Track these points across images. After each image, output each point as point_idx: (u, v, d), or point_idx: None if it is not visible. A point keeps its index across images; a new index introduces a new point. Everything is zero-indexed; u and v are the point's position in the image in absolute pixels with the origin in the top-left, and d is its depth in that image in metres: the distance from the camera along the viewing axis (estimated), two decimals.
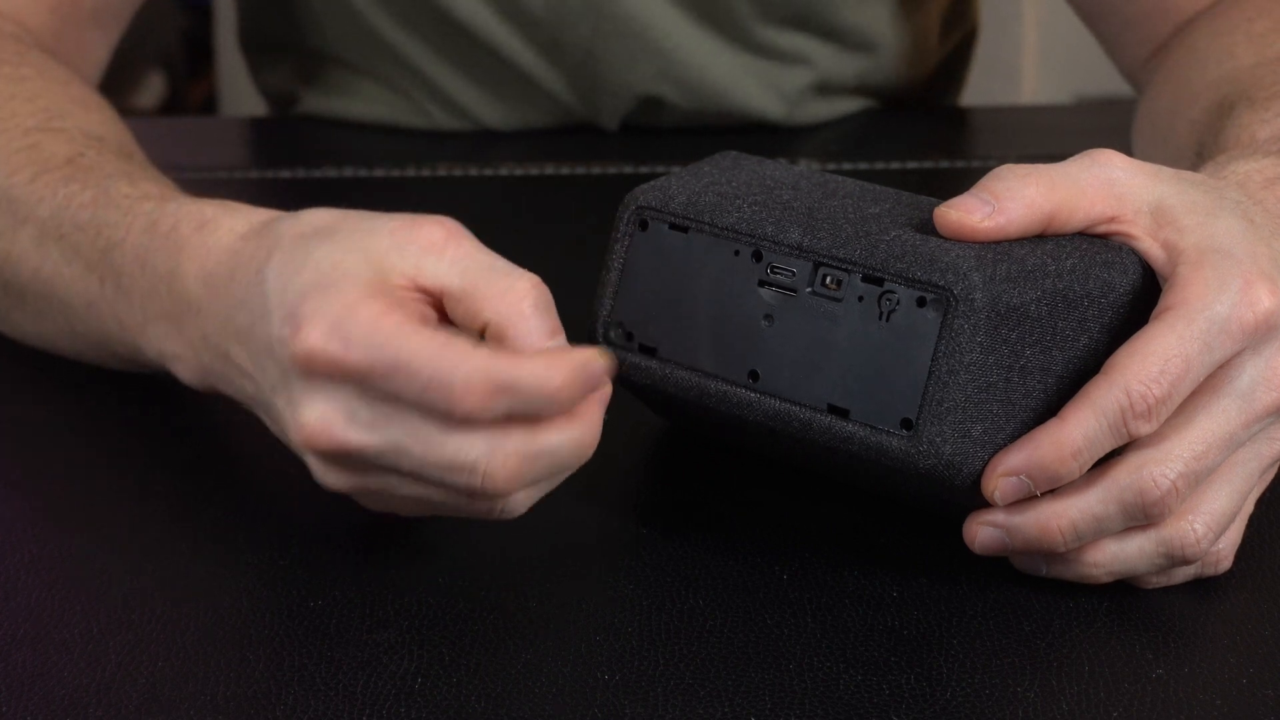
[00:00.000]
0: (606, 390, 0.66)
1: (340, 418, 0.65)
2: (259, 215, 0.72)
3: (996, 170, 0.68)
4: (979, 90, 1.37)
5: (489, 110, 1.19)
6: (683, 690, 0.63)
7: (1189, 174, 0.71)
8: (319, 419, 0.65)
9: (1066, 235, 0.68)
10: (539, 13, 1.13)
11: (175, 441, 0.81)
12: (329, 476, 0.67)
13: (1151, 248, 0.68)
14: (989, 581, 0.70)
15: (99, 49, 1.04)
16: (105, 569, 0.70)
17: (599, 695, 0.63)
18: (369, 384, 0.64)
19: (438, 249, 0.66)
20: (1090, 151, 0.69)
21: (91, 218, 0.79)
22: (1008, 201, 0.67)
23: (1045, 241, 0.68)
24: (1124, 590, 0.69)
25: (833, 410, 0.68)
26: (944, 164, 1.15)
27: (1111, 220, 0.69)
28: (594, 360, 0.64)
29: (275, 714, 0.62)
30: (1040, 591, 0.69)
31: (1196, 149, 0.86)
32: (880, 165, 1.13)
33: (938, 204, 0.68)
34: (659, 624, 0.67)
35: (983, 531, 0.67)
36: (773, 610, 0.68)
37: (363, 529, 0.73)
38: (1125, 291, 0.68)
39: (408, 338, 0.63)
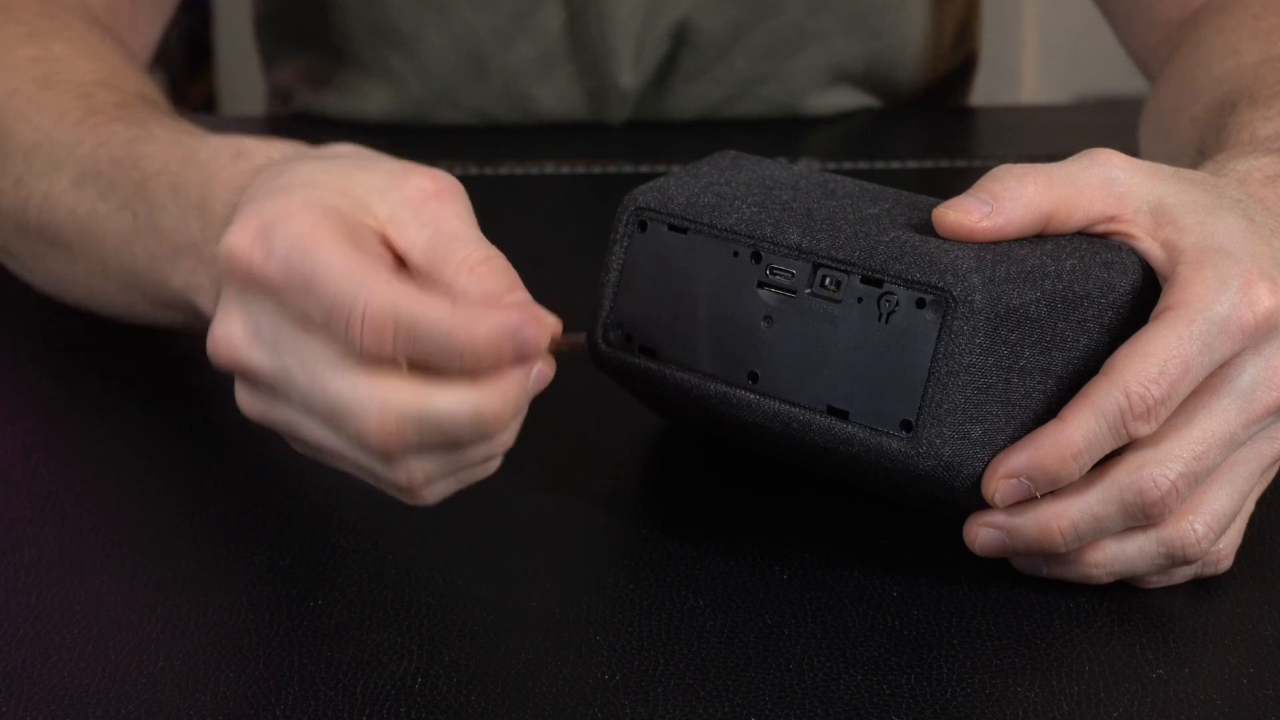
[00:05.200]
0: (542, 371, 0.62)
1: (243, 333, 0.63)
2: (301, 147, 0.71)
3: (995, 170, 0.68)
4: (979, 90, 1.37)
5: (503, 52, 1.18)
6: (683, 690, 0.63)
7: (1189, 173, 0.71)
8: (224, 333, 0.63)
9: (1066, 235, 0.68)
10: None
11: (176, 442, 0.81)
12: (240, 396, 0.65)
13: (1151, 247, 0.68)
14: (989, 581, 0.70)
15: (152, 27, 1.05)
16: (105, 569, 0.70)
17: (599, 695, 0.63)
18: (284, 300, 0.61)
19: (416, 204, 0.64)
20: (1089, 151, 0.69)
21: (128, 152, 0.79)
22: (1006, 202, 0.67)
23: (1044, 241, 0.68)
24: (1124, 590, 0.69)
25: (832, 412, 0.68)
26: (944, 164, 1.15)
27: (1111, 220, 0.69)
28: (529, 325, 0.59)
29: (275, 714, 0.62)
30: (1040, 591, 0.69)
31: (1198, 146, 0.86)
32: (880, 165, 1.13)
33: (937, 204, 0.67)
34: (659, 624, 0.67)
35: (983, 533, 0.67)
36: (773, 610, 0.68)
37: (362, 529, 0.73)
38: (1125, 292, 0.68)
39: (329, 253, 0.60)
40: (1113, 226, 0.69)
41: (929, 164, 1.14)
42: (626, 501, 0.76)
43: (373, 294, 0.59)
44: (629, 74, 1.17)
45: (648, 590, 0.69)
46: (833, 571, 0.70)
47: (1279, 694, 0.64)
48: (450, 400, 0.60)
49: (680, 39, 1.17)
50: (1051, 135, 1.25)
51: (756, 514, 0.74)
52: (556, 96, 1.19)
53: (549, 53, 1.17)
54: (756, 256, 0.69)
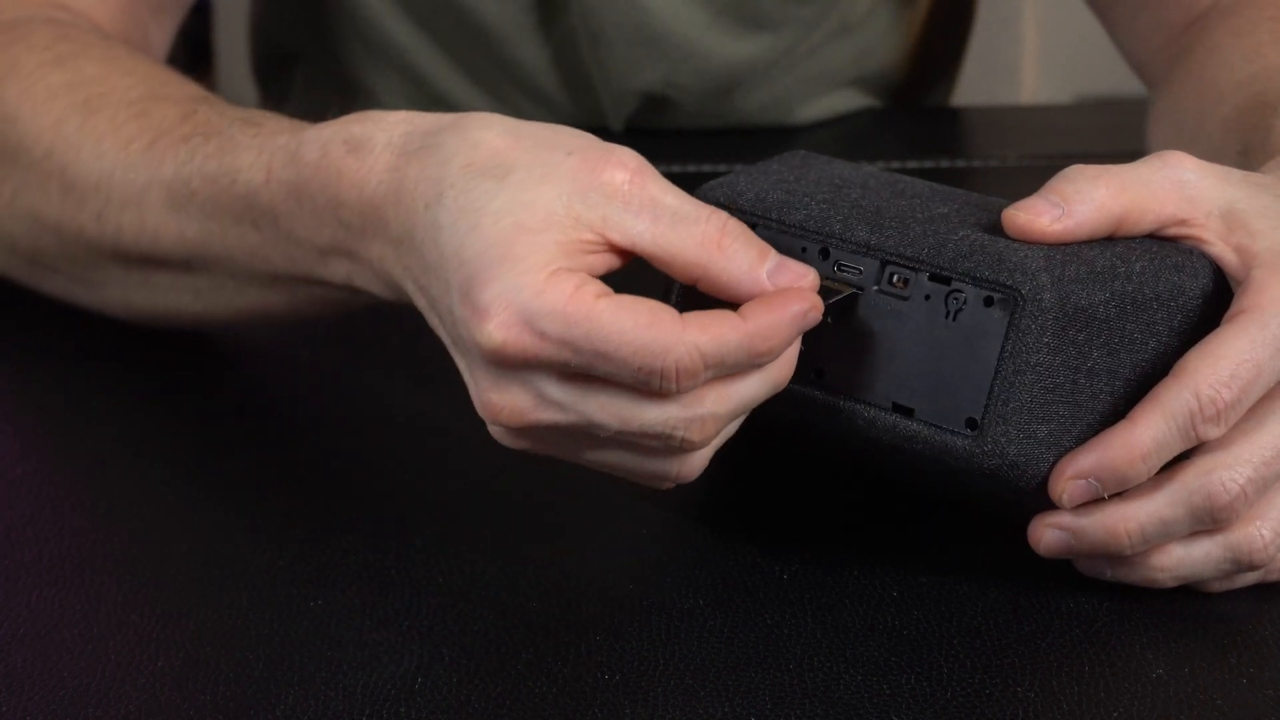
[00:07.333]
0: (813, 316, 0.65)
1: (530, 401, 0.64)
2: (415, 123, 0.69)
3: (1066, 171, 0.68)
4: (978, 89, 1.37)
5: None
6: (683, 690, 0.63)
7: (1258, 177, 0.70)
8: (507, 402, 0.64)
9: (1136, 237, 0.68)
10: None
11: (175, 442, 0.81)
12: (511, 442, 0.66)
13: (1224, 252, 0.68)
14: (989, 581, 0.70)
15: (161, 41, 1.04)
16: (105, 569, 0.70)
17: (599, 695, 0.63)
18: (567, 369, 0.63)
19: (623, 197, 0.64)
20: (1161, 153, 0.69)
21: (220, 166, 0.76)
22: (1077, 204, 0.66)
23: (1114, 243, 0.67)
24: (1124, 590, 0.69)
25: (897, 409, 0.67)
26: (944, 164, 1.15)
27: (1182, 223, 0.68)
28: (812, 311, 0.64)
29: (275, 714, 0.62)
30: (1040, 591, 0.69)
31: (1239, 148, 0.85)
32: (880, 165, 1.13)
33: (1007, 205, 0.67)
34: (659, 624, 0.67)
35: (1049, 534, 0.67)
36: (773, 610, 0.68)
37: (363, 529, 0.73)
38: (1195, 295, 0.68)
39: (609, 323, 0.62)
40: (1183, 230, 0.68)
41: (929, 164, 1.14)
42: (626, 502, 0.76)
43: (677, 351, 0.62)
44: (618, 120, 1.18)
45: (648, 590, 0.69)
46: (833, 571, 0.70)
47: (1279, 694, 0.64)
48: (754, 388, 0.65)
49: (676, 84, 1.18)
50: (1051, 135, 1.25)
51: (756, 514, 0.74)
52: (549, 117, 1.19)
53: (541, 94, 1.18)
54: (824, 253, 0.69)
